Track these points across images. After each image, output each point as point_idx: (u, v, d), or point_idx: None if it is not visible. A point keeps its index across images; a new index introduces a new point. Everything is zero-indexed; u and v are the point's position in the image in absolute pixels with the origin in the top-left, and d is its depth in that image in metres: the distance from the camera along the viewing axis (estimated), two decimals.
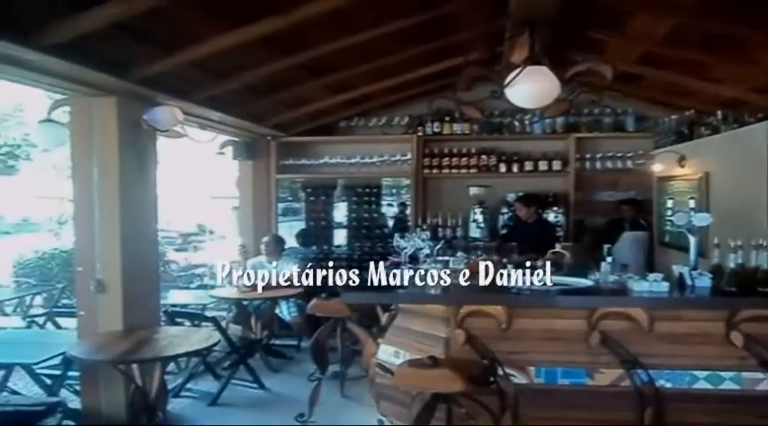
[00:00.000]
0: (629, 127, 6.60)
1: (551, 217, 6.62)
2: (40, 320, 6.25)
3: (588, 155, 6.65)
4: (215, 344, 4.06)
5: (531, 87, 3.64)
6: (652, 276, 3.30)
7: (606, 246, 3.76)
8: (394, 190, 7.34)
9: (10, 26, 2.79)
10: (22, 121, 17.49)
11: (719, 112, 5.03)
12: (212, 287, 7.26)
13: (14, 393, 4.47)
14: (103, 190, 4.18)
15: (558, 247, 4.49)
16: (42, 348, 4.25)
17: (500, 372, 3.11)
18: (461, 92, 4.17)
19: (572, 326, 3.28)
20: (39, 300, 7.65)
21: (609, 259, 3.61)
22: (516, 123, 6.80)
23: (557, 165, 6.68)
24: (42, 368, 4.22)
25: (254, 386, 5.20)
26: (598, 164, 6.62)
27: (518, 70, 3.58)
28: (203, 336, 4.25)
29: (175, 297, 6.51)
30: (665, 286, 3.24)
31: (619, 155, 6.55)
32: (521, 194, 6.28)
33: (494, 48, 5.05)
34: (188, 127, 5.18)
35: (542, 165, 6.71)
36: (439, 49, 5.24)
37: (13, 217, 25.40)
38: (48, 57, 3.11)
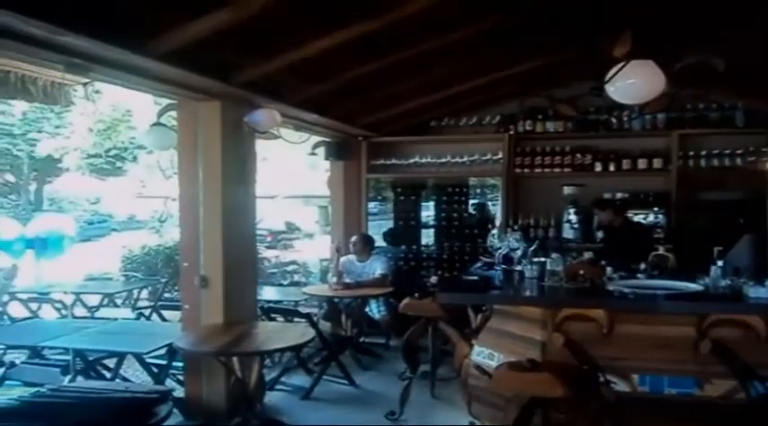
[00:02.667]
0: (739, 122, 6.16)
1: (651, 218, 6.31)
2: (147, 312, 6.65)
3: (692, 153, 6.27)
4: (310, 340, 4.16)
5: (634, 82, 3.47)
6: None
7: (717, 249, 3.53)
8: (478, 190, 7.28)
9: (128, 35, 2.98)
10: (131, 126, 18.65)
11: None
12: (304, 284, 7.46)
13: (125, 379, 4.77)
14: (207, 189, 4.38)
15: (660, 250, 4.26)
16: (150, 338, 4.51)
17: (600, 378, 3.00)
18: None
19: (680, 333, 3.10)
20: (144, 293, 8.14)
21: (719, 262, 3.40)
22: (613, 120, 6.52)
23: (657, 163, 6.33)
24: (150, 357, 4.48)
25: (345, 382, 5.28)
26: (703, 162, 6.22)
27: (620, 65, 3.43)
28: (299, 332, 4.37)
29: (269, 293, 6.73)
30: None
31: (727, 152, 6.12)
32: (596, 199, 6.00)
33: (592, 43, 4.87)
34: (282, 128, 5.37)
35: (641, 164, 6.39)
36: (532, 47, 5.12)
37: (120, 216, 27.22)
38: (162, 64, 3.30)
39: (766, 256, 5.67)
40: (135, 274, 8.89)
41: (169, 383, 4.69)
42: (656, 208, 6.34)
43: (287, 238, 17.99)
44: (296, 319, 5.31)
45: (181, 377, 4.72)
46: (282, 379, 5.24)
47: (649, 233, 5.97)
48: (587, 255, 4.28)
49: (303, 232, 18.74)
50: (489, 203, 7.88)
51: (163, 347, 4.26)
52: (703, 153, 6.23)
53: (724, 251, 3.56)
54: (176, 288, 8.31)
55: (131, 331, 5.19)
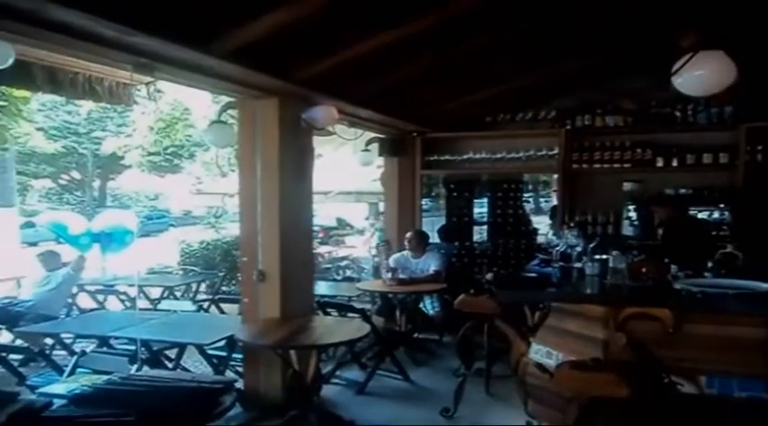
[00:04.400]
0: None
1: (716, 215, 6.08)
2: (205, 305, 6.83)
3: (760, 147, 5.97)
4: (366, 335, 4.19)
5: (702, 74, 3.34)
6: None
7: None
8: (530, 186, 7.16)
9: (193, 35, 3.07)
10: (189, 124, 19.20)
11: None
12: (358, 279, 7.52)
13: (186, 369, 4.92)
14: (266, 185, 4.47)
15: (729, 248, 4.10)
16: (210, 330, 4.63)
17: (665, 379, 2.91)
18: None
19: (750, 334, 2.97)
20: (203, 287, 8.37)
21: None
22: (677, 113, 6.29)
23: (723, 158, 6.07)
24: (210, 348, 4.60)
25: (399, 377, 5.30)
26: None
27: (688, 56, 3.31)
28: (354, 327, 4.41)
29: (323, 288, 6.81)
30: None
31: None
32: (653, 195, 5.79)
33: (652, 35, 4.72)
34: (337, 125, 5.43)
35: (706, 158, 6.13)
36: (589, 41, 4.99)
37: (176, 212, 28.11)
38: (223, 62, 3.39)
39: None
40: (193, 268, 9.14)
41: (228, 374, 4.79)
42: (721, 205, 6.09)
43: (338, 234, 18.15)
44: (350, 314, 5.36)
45: (240, 369, 4.84)
46: (337, 373, 5.30)
47: (712, 230, 5.75)
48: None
49: (355, 228, 18.87)
50: (542, 200, 7.77)
51: (223, 339, 4.38)
52: None
53: None
54: (233, 281, 8.54)
55: (192, 323, 5.34)
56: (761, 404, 2.90)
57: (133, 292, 6.65)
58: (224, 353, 4.66)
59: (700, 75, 3.35)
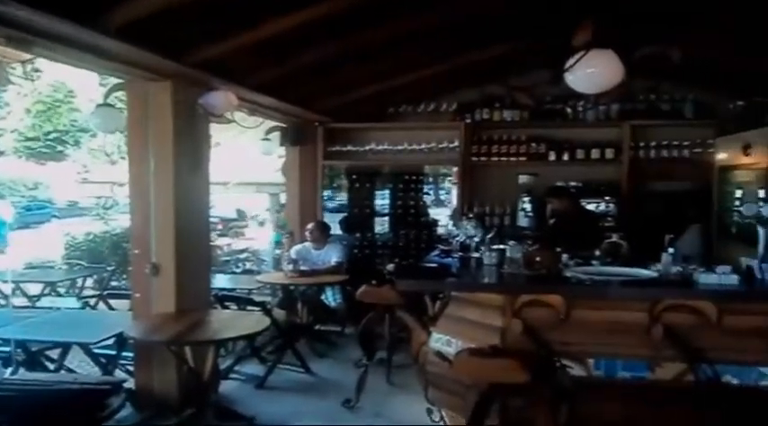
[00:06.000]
0: (688, 114, 6.34)
1: (602, 207, 6.46)
2: (92, 301, 6.41)
3: (643, 144, 6.42)
4: (266, 328, 4.09)
5: (594, 71, 3.51)
6: (720, 268, 3.17)
7: (668, 237, 3.62)
8: (431, 179, 7.28)
9: (76, 7, 2.82)
10: (74, 108, 17.94)
11: None
12: (258, 272, 7.35)
13: (70, 371, 4.58)
14: (159, 174, 4.24)
15: (614, 237, 4.35)
16: (97, 328, 4.35)
17: (557, 363, 3.04)
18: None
19: (633, 318, 3.16)
20: (90, 282, 7.86)
21: (670, 250, 3.49)
22: (569, 110, 6.62)
23: (609, 154, 6.47)
24: (98, 347, 4.31)
25: (301, 370, 5.24)
26: (653, 153, 6.37)
27: (581, 53, 3.46)
28: (254, 320, 4.29)
29: (222, 281, 6.59)
30: (734, 278, 3.11)
31: (675, 143, 6.29)
32: (550, 187, 6.09)
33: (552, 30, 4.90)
34: (236, 112, 5.23)
35: (594, 154, 6.51)
36: (491, 35, 5.12)
37: (60, 202, 26.21)
38: (112, 40, 3.15)
39: (711, 245, 5.92)
40: (79, 262, 8.56)
41: (118, 374, 4.53)
42: (606, 198, 6.48)
43: (238, 226, 17.69)
44: (249, 307, 5.21)
45: (131, 368, 4.57)
46: (236, 368, 5.15)
47: (599, 221, 6.11)
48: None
49: (255, 220, 18.48)
50: (441, 192, 7.90)
51: (112, 337, 4.11)
52: (653, 144, 6.38)
53: (673, 239, 3.66)
54: (124, 276, 8.09)
55: (77, 320, 4.99)
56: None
57: (8, 289, 6.10)
58: (113, 352, 4.38)
59: (591, 72, 3.52)
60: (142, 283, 4.35)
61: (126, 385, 4.00)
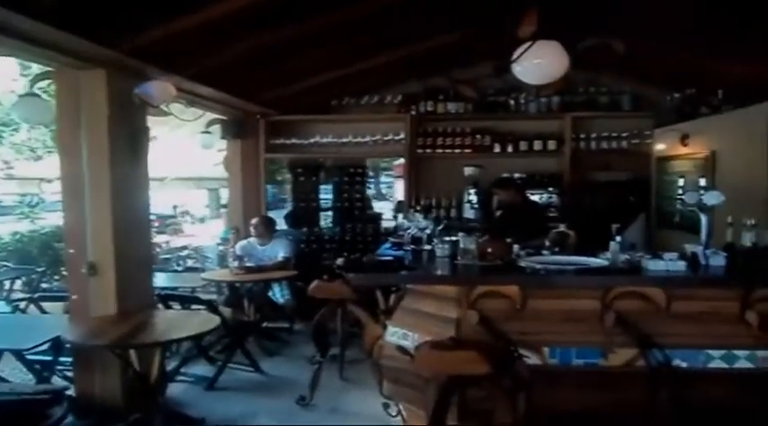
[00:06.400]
0: (626, 106, 6.55)
1: (545, 197, 6.58)
2: (23, 305, 6.02)
3: (583, 135, 6.58)
4: (216, 328, 3.93)
5: (540, 63, 3.52)
6: (667, 255, 3.26)
7: (615, 226, 3.69)
8: (371, 172, 7.25)
9: None
10: None
11: (720, 92, 5.00)
12: (202, 269, 7.12)
13: (3, 380, 4.29)
14: (94, 169, 4.01)
15: (561, 227, 4.42)
16: (30, 332, 4.08)
17: (514, 353, 3.05)
18: None
19: (586, 306, 3.21)
20: (18, 284, 7.41)
21: (617, 238, 3.56)
22: (511, 102, 6.71)
23: (552, 145, 6.61)
24: (31, 354, 4.05)
25: (251, 369, 5.10)
26: (593, 144, 6.54)
27: (527, 45, 3.46)
28: (201, 319, 4.15)
29: (163, 279, 6.33)
30: (681, 265, 3.20)
31: (614, 134, 6.48)
32: (496, 179, 6.17)
33: (496, 21, 4.92)
34: (173, 104, 4.99)
35: (537, 145, 6.63)
36: (434, 25, 5.10)
37: None
38: (38, 23, 2.92)
39: (651, 233, 6.14)
40: (5, 263, 8.06)
41: (56, 381, 4.30)
42: (550, 188, 6.62)
43: (175, 223, 17.18)
44: (195, 306, 5.03)
45: (69, 374, 4.32)
46: (183, 370, 4.97)
47: (544, 212, 6.22)
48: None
49: (194, 216, 18.00)
50: (383, 185, 7.88)
51: (47, 342, 3.85)
52: (594, 135, 6.56)
53: (621, 228, 3.73)
54: (56, 277, 7.69)
55: (6, 325, 4.66)
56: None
57: None
58: (49, 358, 4.12)
59: (538, 63, 3.53)
60: (79, 284, 4.11)
61: (67, 392, 3.81)
